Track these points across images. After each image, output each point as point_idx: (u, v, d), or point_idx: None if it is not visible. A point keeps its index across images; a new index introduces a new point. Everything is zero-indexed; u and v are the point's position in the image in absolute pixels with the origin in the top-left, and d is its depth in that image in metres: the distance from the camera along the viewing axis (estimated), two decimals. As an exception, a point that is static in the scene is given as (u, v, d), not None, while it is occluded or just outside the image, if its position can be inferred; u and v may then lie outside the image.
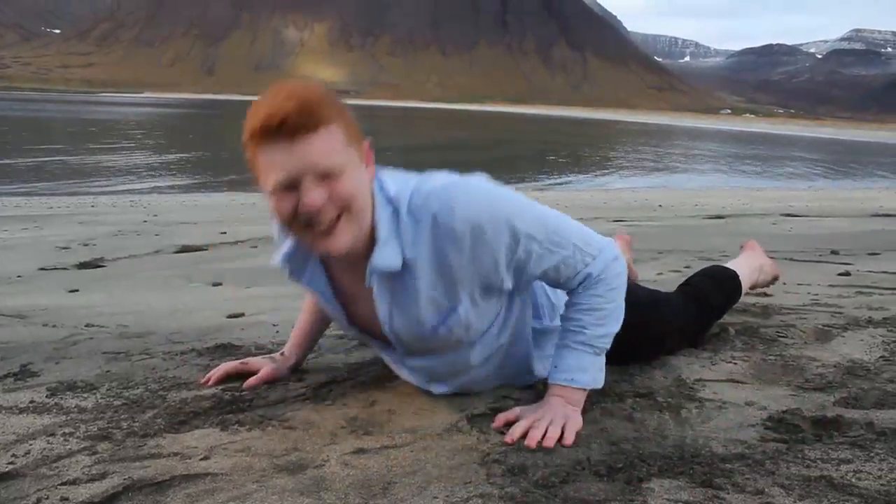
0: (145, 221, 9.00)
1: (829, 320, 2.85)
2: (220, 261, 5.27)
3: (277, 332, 2.76)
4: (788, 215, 10.45)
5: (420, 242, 1.49)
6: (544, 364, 1.88)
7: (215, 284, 4.18)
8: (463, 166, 2.06)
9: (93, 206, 11.65)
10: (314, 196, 1.35)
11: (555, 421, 1.63)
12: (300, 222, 1.40)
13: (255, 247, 6.25)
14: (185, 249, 6.00)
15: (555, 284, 1.72)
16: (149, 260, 5.40)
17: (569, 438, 1.59)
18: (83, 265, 4.99)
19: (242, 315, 3.18)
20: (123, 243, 6.43)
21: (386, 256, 1.49)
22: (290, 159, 1.34)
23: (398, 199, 1.50)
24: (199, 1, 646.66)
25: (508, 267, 1.56)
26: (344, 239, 1.42)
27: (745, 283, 2.74)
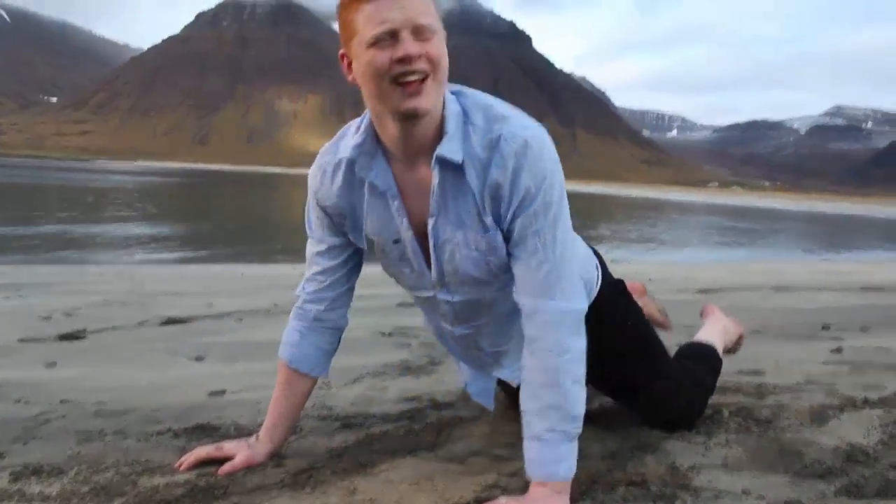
0: (132, 291, 8.89)
1: (824, 400, 2.79)
2: (204, 334, 5.18)
3: (259, 410, 2.67)
4: (779, 288, 10.43)
5: (479, 151, 1.55)
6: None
7: (198, 359, 4.09)
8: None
9: (80, 275, 11.55)
10: (412, 46, 1.43)
11: None
12: (392, 76, 1.46)
13: (241, 320, 6.16)
14: (170, 321, 5.90)
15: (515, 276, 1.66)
16: (132, 332, 5.30)
17: None
18: (64, 336, 4.89)
19: (224, 392, 3.09)
20: (108, 314, 6.33)
21: (452, 149, 1.54)
22: (394, 12, 1.41)
23: (469, 104, 1.59)
24: (195, 72, 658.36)
25: (509, 217, 1.59)
26: (428, 99, 1.48)
27: (719, 351, 2.68)
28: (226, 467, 1.91)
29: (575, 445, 1.62)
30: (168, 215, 31.56)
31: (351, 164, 1.68)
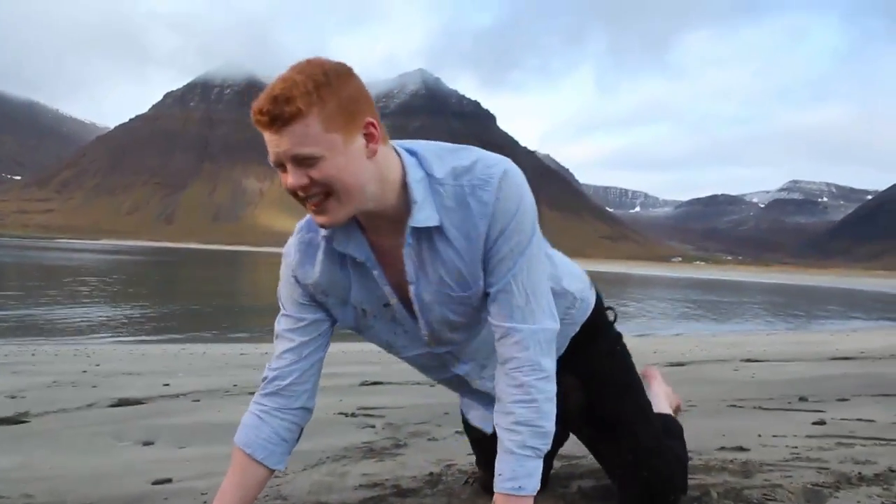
0: (85, 372, 8.53)
1: (816, 478, 2.62)
2: (156, 416, 4.88)
3: (205, 501, 2.43)
4: (749, 360, 10.35)
5: (453, 208, 1.58)
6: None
7: (146, 444, 3.81)
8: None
9: (33, 355, 11.11)
10: (293, 178, 1.46)
11: None
12: (296, 197, 1.52)
13: (198, 400, 5.86)
14: (122, 403, 5.59)
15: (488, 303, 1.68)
16: (79, 415, 4.98)
17: None
18: (4, 421, 4.57)
19: (170, 481, 2.83)
20: (56, 396, 5.99)
21: (424, 217, 1.57)
22: (273, 145, 1.45)
23: (430, 164, 1.60)
24: (162, 151, 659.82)
25: (488, 256, 1.63)
26: (332, 216, 1.51)
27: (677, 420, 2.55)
28: None
29: (541, 463, 1.65)
30: (130, 294, 30.95)
31: (328, 239, 1.70)
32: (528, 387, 1.62)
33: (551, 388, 1.65)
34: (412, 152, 1.63)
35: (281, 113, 1.41)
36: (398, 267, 1.67)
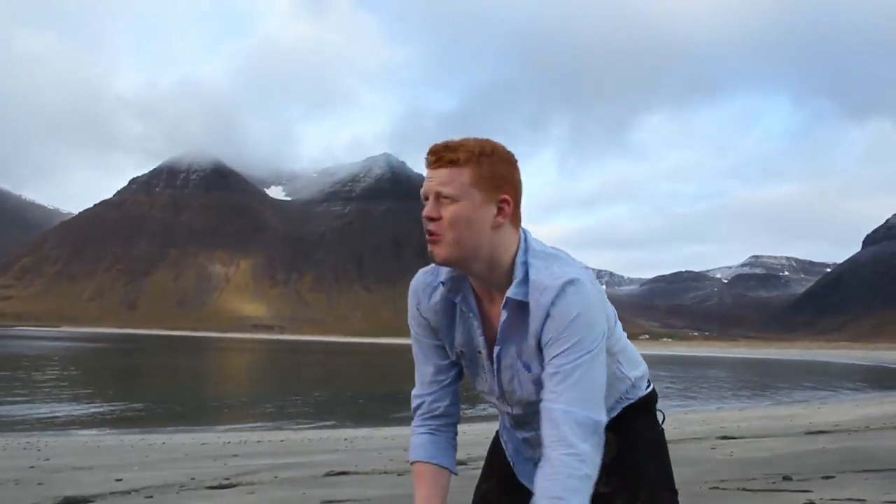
0: (32, 467, 8.07)
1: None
2: (103, 516, 4.53)
3: None
4: (725, 437, 10.16)
5: (538, 296, 1.77)
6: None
7: (87, 549, 3.47)
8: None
9: (-22, 452, 10.54)
10: (428, 207, 1.77)
11: None
12: (425, 227, 1.79)
13: (151, 497, 5.49)
14: (68, 502, 5.21)
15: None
16: (18, 517, 4.60)
17: None
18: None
19: None
20: (-4, 496, 5.58)
21: (519, 292, 1.79)
22: (426, 182, 1.79)
23: (531, 254, 1.84)
24: (126, 237, 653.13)
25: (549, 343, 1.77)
26: (440, 251, 1.79)
27: None
28: None
29: None
30: (88, 383, 30.01)
31: (443, 283, 1.92)
32: (555, 462, 1.70)
33: (580, 467, 1.69)
34: (527, 240, 1.87)
35: (445, 155, 1.75)
36: (493, 329, 1.90)
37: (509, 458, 2.17)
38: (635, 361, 2.11)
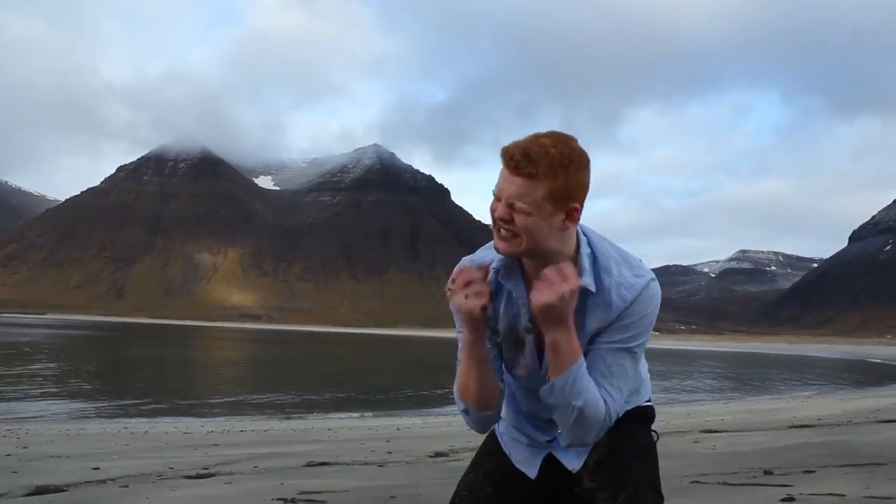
0: (9, 455, 7.97)
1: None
2: (74, 506, 4.45)
3: None
4: (708, 431, 10.16)
5: (606, 288, 1.91)
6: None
7: (54, 540, 3.40)
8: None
9: (-43, 439, 10.41)
10: (500, 209, 1.85)
11: None
12: (493, 220, 1.88)
13: (126, 486, 5.41)
14: (40, 491, 5.12)
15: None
16: (-12, 507, 4.52)
17: None
18: None
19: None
20: (-32, 485, 5.48)
21: (586, 282, 1.89)
22: (503, 183, 1.85)
23: (598, 246, 1.98)
24: (113, 225, 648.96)
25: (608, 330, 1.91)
26: (506, 247, 1.89)
27: None
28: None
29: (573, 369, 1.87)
30: (71, 370, 29.81)
31: (497, 271, 2.02)
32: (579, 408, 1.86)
33: (596, 412, 1.86)
34: (586, 234, 1.99)
35: (524, 168, 1.79)
36: None
37: (504, 448, 2.22)
38: (644, 367, 2.22)
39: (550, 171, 1.80)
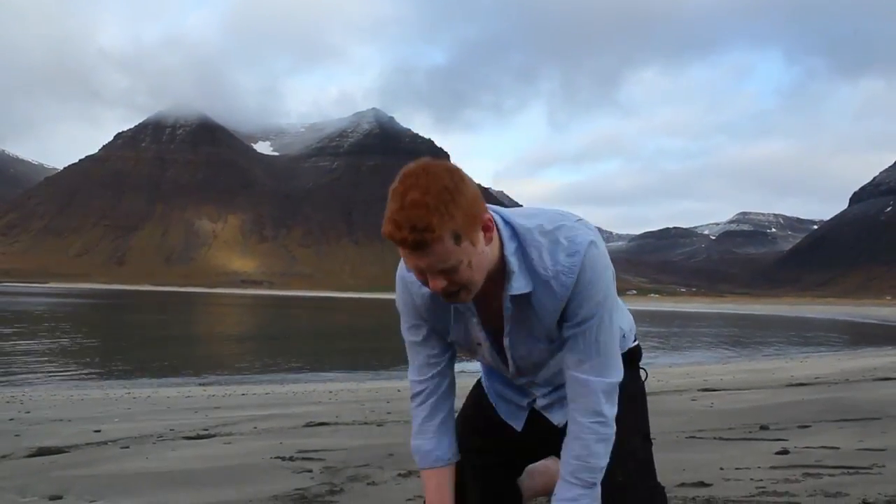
0: (12, 419, 8.03)
1: (786, 515, 2.38)
2: (75, 466, 4.49)
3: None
4: (706, 390, 10.22)
5: (543, 277, 1.80)
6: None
7: (53, 498, 3.43)
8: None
9: (-41, 404, 10.49)
10: (436, 284, 1.70)
11: None
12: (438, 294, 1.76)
13: (127, 447, 5.45)
14: (41, 453, 5.16)
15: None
16: (-10, 467, 4.56)
17: None
18: None
19: (67, 541, 2.49)
20: (-30, 447, 5.53)
21: (520, 285, 1.80)
22: (413, 261, 1.69)
23: (524, 235, 1.81)
24: (113, 192, 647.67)
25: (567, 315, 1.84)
26: (468, 296, 1.75)
27: None
28: None
29: (592, 491, 1.85)
30: (73, 337, 29.95)
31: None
32: (583, 427, 1.85)
33: (605, 431, 1.85)
34: (506, 222, 1.83)
35: (423, 240, 1.63)
36: (494, 319, 1.90)
37: (492, 401, 2.21)
38: (624, 313, 2.16)
39: (445, 219, 1.63)
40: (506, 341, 1.93)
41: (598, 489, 1.86)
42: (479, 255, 1.72)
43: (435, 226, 1.62)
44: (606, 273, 1.84)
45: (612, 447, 1.95)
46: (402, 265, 1.92)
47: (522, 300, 1.84)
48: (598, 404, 1.84)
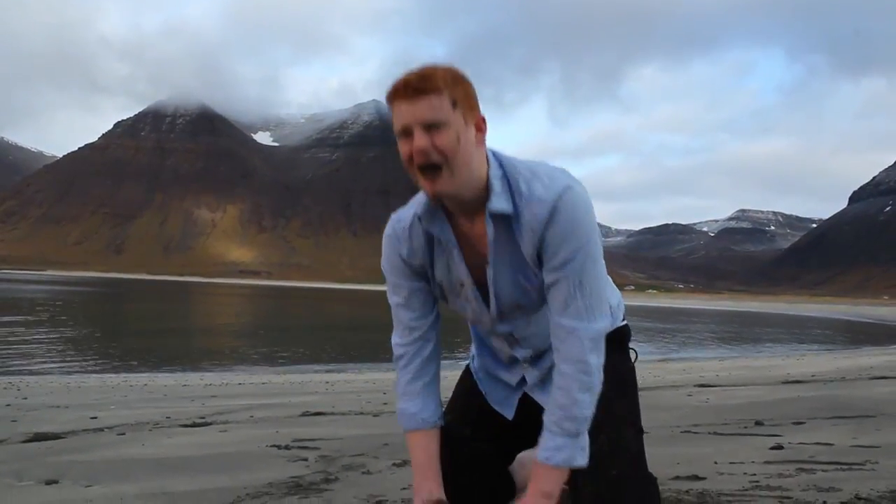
0: (9, 405, 8.04)
1: (779, 509, 2.39)
2: (71, 451, 4.50)
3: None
4: (702, 385, 10.24)
5: (522, 207, 1.81)
6: None
7: (49, 483, 3.44)
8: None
9: (-45, 390, 10.50)
10: (419, 140, 1.72)
11: None
12: (414, 164, 1.76)
13: (123, 434, 5.47)
14: (38, 438, 5.17)
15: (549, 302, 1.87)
16: (-14, 452, 4.56)
17: None
18: None
19: (62, 525, 2.50)
20: (-33, 432, 5.54)
21: (500, 203, 1.81)
22: (406, 113, 1.73)
23: (509, 165, 1.86)
24: (112, 181, 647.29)
25: (547, 258, 1.82)
26: (442, 185, 1.75)
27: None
28: None
29: (576, 441, 1.82)
30: (70, 326, 29.96)
31: (419, 218, 1.92)
32: (567, 377, 1.82)
33: (590, 380, 1.82)
34: (495, 154, 1.89)
35: (424, 86, 1.71)
36: (478, 251, 1.91)
37: (481, 386, 2.19)
38: (612, 287, 2.14)
39: (449, 82, 1.75)
40: (489, 273, 1.91)
41: (584, 439, 1.84)
42: (469, 140, 1.78)
43: (438, 80, 1.73)
44: (587, 218, 1.83)
45: (607, 439, 1.91)
46: (388, 226, 2.00)
47: (503, 225, 1.85)
48: (582, 353, 1.82)
